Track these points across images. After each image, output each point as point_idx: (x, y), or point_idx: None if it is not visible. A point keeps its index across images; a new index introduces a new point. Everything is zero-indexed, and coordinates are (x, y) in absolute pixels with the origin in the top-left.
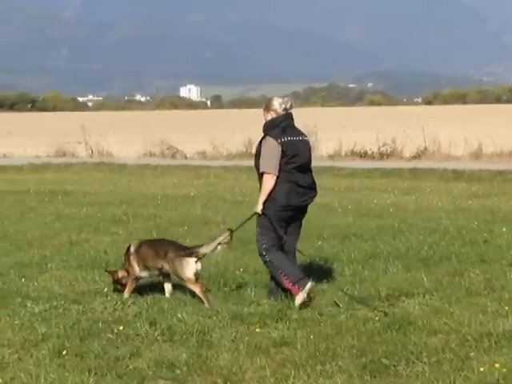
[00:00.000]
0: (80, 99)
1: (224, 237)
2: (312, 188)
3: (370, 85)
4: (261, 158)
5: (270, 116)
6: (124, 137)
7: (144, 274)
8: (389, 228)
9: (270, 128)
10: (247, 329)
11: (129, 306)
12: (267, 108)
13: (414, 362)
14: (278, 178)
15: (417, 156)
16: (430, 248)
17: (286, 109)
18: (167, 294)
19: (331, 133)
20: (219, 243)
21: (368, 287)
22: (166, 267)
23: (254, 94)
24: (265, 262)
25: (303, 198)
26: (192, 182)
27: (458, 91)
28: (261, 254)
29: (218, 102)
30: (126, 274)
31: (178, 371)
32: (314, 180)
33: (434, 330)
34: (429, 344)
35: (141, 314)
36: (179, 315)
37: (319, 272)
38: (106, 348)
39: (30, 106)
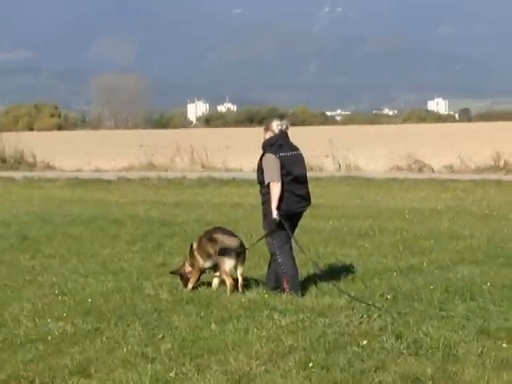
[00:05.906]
0: (328, 113)
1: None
2: (306, 198)
3: None
4: (264, 172)
5: (268, 135)
6: (371, 150)
7: (207, 263)
8: None
9: (267, 146)
10: (494, 344)
11: (374, 320)
12: (266, 128)
13: None
14: None
15: None
16: None
17: (281, 130)
18: (213, 287)
19: None
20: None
21: None
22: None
23: (504, 107)
24: (275, 261)
25: (300, 204)
26: (439, 195)
27: None
28: (273, 253)
29: (466, 115)
30: (190, 268)
31: None
32: (308, 191)
33: None
34: None
35: (386, 327)
36: (424, 329)
37: None
38: (352, 361)
39: None
